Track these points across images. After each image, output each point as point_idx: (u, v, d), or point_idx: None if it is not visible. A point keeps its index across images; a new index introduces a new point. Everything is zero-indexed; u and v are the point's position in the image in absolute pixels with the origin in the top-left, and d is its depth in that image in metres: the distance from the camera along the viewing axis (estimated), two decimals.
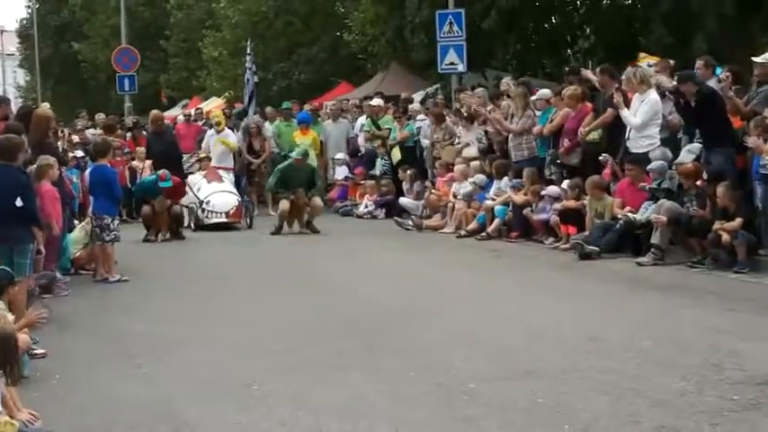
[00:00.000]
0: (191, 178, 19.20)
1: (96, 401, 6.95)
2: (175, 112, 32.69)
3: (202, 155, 20.18)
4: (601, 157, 14.05)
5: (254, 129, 21.60)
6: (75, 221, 13.42)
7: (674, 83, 13.35)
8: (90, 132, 22.44)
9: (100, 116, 24.05)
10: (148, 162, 19.96)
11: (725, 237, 11.44)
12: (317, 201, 17.77)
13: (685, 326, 8.62)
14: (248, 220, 18.64)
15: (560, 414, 6.12)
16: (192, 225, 18.11)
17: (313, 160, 20.39)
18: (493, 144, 17.35)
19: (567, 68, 20.39)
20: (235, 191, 19.19)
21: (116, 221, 12.81)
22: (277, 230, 17.19)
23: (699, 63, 13.84)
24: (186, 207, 18.12)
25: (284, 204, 17.24)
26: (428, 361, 7.62)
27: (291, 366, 7.66)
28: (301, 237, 16.95)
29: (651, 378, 6.87)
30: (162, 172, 16.80)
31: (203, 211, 18.26)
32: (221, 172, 19.50)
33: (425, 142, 19.18)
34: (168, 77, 42.08)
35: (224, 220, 18.21)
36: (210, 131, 20.88)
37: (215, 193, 18.52)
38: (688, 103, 12.65)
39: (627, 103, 13.62)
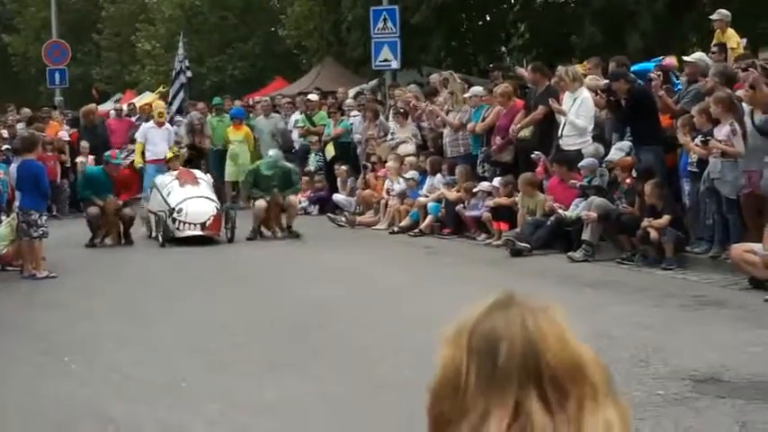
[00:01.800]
0: (159, 179, 16.70)
1: (22, 399, 6.86)
2: (108, 107, 32.32)
3: (170, 154, 18.04)
4: (533, 155, 14.17)
5: (198, 125, 21.49)
6: (3, 217, 13.20)
7: (605, 81, 13.52)
8: (20, 127, 22.08)
9: (25, 111, 23.66)
10: (91, 157, 19.85)
11: (653, 234, 11.59)
12: (291, 199, 16.04)
13: (614, 322, 8.69)
14: (229, 233, 15.51)
15: None
16: (160, 238, 15.28)
17: (245, 155, 20.37)
18: (426, 141, 17.43)
19: (491, 65, 20.53)
20: (213, 196, 16.21)
21: (44, 217, 12.60)
22: (253, 234, 15.69)
23: (611, 65, 14.07)
24: (154, 214, 15.84)
25: (260, 204, 15.64)
26: (359, 359, 7.62)
27: (221, 365, 7.62)
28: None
29: None
30: (112, 150, 16.35)
31: (174, 221, 15.16)
32: (197, 173, 17.18)
33: (357, 137, 19.18)
34: (101, 71, 41.60)
35: (199, 232, 15.14)
36: (149, 124, 20.61)
37: (189, 199, 15.42)
38: (619, 101, 12.80)
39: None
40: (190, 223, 15.10)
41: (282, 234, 15.86)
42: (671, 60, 14.35)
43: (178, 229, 15.10)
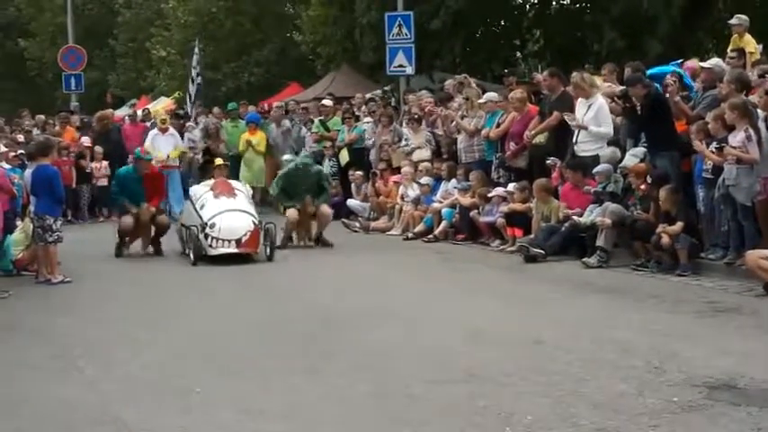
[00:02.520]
0: (193, 191, 15.38)
1: (34, 403, 6.87)
2: (124, 112, 32.45)
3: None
4: (548, 161, 14.15)
5: (213, 130, 21.59)
6: (18, 222, 13.24)
7: (621, 87, 13.48)
8: (36, 132, 22.19)
9: (39, 118, 23.76)
10: (105, 163, 20.01)
11: (666, 240, 11.55)
12: (324, 209, 15.13)
13: (628, 328, 8.67)
14: (268, 250, 13.99)
15: (501, 417, 6.13)
16: (191, 256, 13.79)
17: (260, 160, 20.47)
18: (440, 146, 17.43)
19: (505, 70, 20.55)
20: (251, 209, 14.45)
21: (58, 222, 12.64)
22: (284, 243, 14.97)
23: (627, 71, 14.02)
24: (186, 229, 14.32)
25: (292, 214, 15.01)
26: (371, 364, 7.61)
27: (234, 370, 7.62)
28: None
29: (593, 380, 6.90)
30: (141, 147, 16.12)
31: (207, 237, 13.61)
32: (235, 184, 15.56)
33: (370, 143, 19.19)
34: (117, 77, 41.75)
35: (234, 250, 13.59)
36: (154, 131, 20.72)
37: (223, 213, 13.86)
38: (634, 106, 12.76)
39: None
40: (224, 240, 13.56)
41: (311, 242, 15.31)
42: (693, 63, 14.27)
43: (211, 246, 13.55)
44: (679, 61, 14.66)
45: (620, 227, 12.37)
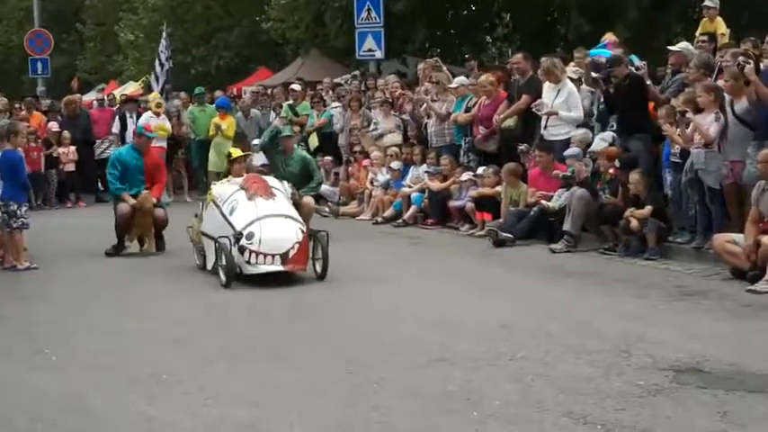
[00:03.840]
0: (217, 190, 11.80)
1: (2, 391, 6.83)
2: (92, 97, 32.23)
3: (237, 152, 13.17)
4: (522, 147, 14.16)
5: (175, 113, 21.51)
6: None
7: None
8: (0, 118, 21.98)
9: (2, 101, 23.51)
10: (72, 148, 19.89)
11: (635, 224, 11.60)
12: (307, 199, 12.41)
13: (596, 312, 8.71)
14: (319, 266, 11.00)
15: (469, 401, 6.14)
16: (222, 276, 10.69)
17: (229, 145, 20.34)
18: (408, 131, 17.40)
19: (466, 56, 20.56)
20: (295, 213, 11.24)
21: (23, 208, 12.48)
22: None
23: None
24: (210, 239, 11.36)
25: None
26: (339, 349, 7.60)
27: (202, 356, 7.59)
28: None
29: (560, 365, 6.93)
30: (146, 123, 14.96)
31: (242, 250, 10.60)
32: (271, 180, 11.80)
33: (337, 128, 19.16)
34: (84, 61, 41.42)
35: (279, 267, 10.59)
36: (148, 113, 20.80)
37: (262, 219, 10.79)
38: (608, 89, 12.77)
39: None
40: (265, 254, 10.58)
41: None
42: (611, 37, 14.40)
43: (249, 262, 10.60)
44: (604, 43, 14.65)
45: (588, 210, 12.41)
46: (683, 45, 13.69)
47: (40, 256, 12.71)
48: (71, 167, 20.60)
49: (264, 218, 10.81)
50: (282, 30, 28.91)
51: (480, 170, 14.61)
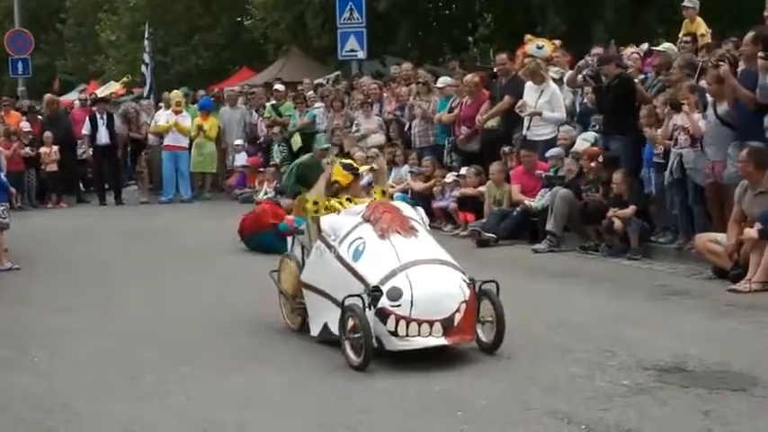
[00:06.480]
0: (328, 221, 7.92)
1: None
2: (73, 97, 32.11)
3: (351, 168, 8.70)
4: (506, 149, 14.19)
5: (133, 114, 21.46)
6: None
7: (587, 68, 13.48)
8: None
9: None
10: (55, 148, 19.81)
11: (618, 223, 11.63)
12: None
13: (578, 312, 8.74)
14: (489, 334, 7.38)
15: (454, 401, 6.15)
16: (353, 355, 7.07)
17: (211, 145, 20.38)
18: (389, 131, 17.41)
19: (447, 57, 20.64)
20: (449, 257, 7.55)
21: (1, 208, 12.39)
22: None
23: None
24: (328, 298, 7.67)
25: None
26: (325, 351, 7.58)
27: (185, 357, 7.57)
28: (199, 220, 16.74)
29: (544, 364, 6.95)
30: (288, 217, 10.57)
31: (383, 315, 7.06)
32: (403, 206, 8.16)
33: (321, 128, 19.15)
34: (65, 62, 41.26)
35: (442, 341, 7.07)
36: (167, 111, 20.78)
37: (410, 268, 7.23)
38: (600, 88, 12.79)
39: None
40: (421, 321, 7.05)
41: None
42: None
43: (396, 333, 7.07)
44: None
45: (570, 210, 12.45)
46: (665, 46, 13.74)
47: (22, 258, 12.63)
48: (53, 167, 20.45)
49: (412, 266, 7.27)
50: (264, 28, 28.93)
51: (463, 170, 14.63)
